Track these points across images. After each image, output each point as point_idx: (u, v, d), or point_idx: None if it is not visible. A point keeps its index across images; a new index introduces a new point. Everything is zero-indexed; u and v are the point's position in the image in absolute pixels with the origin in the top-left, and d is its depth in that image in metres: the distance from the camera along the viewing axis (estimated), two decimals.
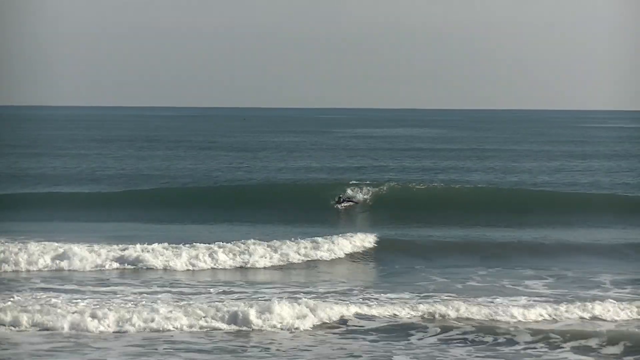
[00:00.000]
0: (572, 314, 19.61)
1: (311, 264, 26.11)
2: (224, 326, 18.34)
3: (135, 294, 21.26)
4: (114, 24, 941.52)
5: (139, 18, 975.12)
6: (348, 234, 28.50)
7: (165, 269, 24.90)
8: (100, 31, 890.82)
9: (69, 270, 24.55)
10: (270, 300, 19.42)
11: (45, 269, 24.56)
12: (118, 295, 21.03)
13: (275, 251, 26.28)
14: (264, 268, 25.53)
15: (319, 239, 27.34)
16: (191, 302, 19.80)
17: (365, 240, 28.20)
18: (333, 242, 27.36)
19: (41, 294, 20.92)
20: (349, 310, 19.26)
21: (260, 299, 20.44)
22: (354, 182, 41.20)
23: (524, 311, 19.49)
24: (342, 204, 38.41)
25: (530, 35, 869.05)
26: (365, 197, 39.13)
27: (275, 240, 26.99)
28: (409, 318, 19.13)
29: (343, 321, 18.84)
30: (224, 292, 21.62)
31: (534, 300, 20.80)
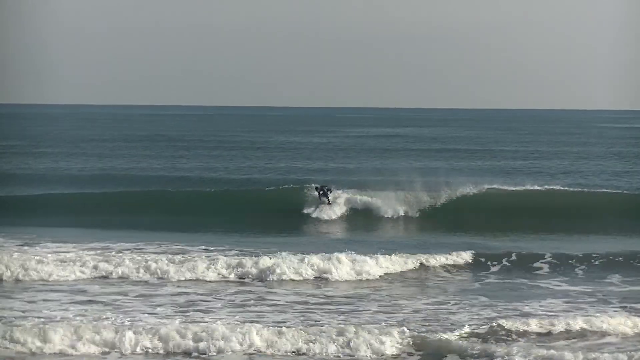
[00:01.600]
0: None
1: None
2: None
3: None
4: (119, 21, 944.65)
5: (142, 16, 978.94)
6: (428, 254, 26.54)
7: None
8: (105, 29, 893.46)
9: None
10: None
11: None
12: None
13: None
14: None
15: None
16: None
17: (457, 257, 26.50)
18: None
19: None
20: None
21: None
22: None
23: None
24: (327, 196, 36.49)
25: (537, 35, 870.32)
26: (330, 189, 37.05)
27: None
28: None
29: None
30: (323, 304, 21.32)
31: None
